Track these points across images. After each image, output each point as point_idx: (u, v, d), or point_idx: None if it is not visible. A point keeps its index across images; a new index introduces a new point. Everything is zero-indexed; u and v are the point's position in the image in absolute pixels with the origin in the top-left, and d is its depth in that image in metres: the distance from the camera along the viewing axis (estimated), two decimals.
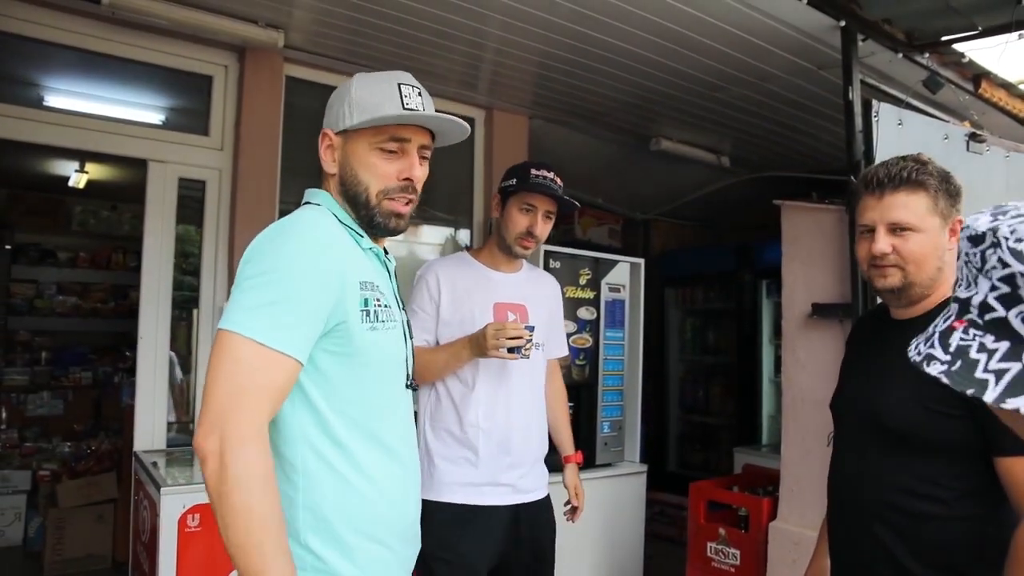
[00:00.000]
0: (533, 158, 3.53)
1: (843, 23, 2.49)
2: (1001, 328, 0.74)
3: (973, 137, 2.64)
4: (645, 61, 3.01)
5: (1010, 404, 0.71)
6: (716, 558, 2.96)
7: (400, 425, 1.36)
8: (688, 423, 5.66)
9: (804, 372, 2.79)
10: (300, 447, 1.22)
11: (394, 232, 1.37)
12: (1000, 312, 0.74)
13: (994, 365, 0.73)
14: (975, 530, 1.50)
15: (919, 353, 0.81)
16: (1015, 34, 2.53)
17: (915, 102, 2.75)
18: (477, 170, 3.93)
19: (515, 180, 2.29)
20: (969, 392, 0.73)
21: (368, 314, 1.26)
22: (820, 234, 2.74)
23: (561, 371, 2.64)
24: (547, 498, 2.36)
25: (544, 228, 2.30)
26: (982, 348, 0.74)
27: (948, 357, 0.76)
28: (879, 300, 2.44)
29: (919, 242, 1.58)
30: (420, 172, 1.36)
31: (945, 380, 0.75)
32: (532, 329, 2.13)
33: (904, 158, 1.66)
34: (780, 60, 2.95)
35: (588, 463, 3.34)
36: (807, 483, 2.71)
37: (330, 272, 1.21)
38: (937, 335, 0.80)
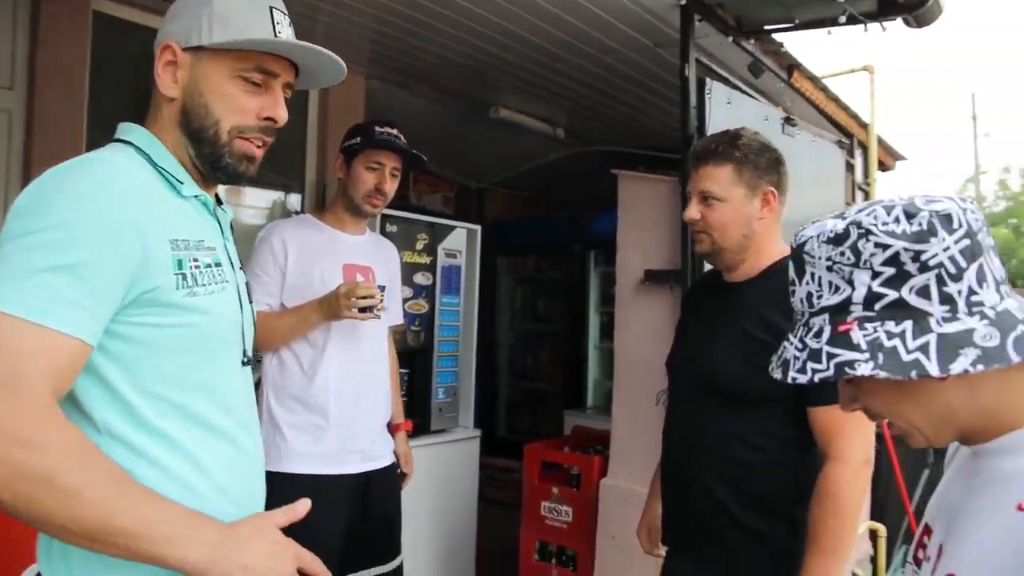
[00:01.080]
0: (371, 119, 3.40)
1: (683, 1, 2.60)
2: (898, 309, 0.78)
3: (788, 121, 2.89)
4: (482, 21, 2.96)
5: (955, 370, 0.74)
6: (550, 516, 3.06)
7: (235, 401, 1.15)
8: (517, 389, 5.80)
9: (635, 335, 2.92)
10: (100, 441, 0.98)
11: (241, 177, 1.17)
12: (892, 295, 0.78)
13: (913, 345, 0.76)
14: (791, 474, 1.64)
15: (800, 368, 0.83)
16: (826, 30, 2.76)
17: (741, 85, 2.94)
18: (311, 131, 3.71)
19: (360, 138, 2.22)
20: (913, 374, 0.75)
21: (185, 278, 1.04)
22: (655, 203, 2.87)
23: (395, 337, 2.62)
24: (394, 464, 2.34)
25: (392, 185, 2.26)
26: (890, 335, 0.77)
27: (867, 354, 0.77)
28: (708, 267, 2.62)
29: (722, 210, 1.70)
30: (284, 113, 1.16)
31: (883, 374, 0.76)
32: (383, 289, 2.08)
33: (719, 133, 1.79)
34: (620, 34, 3.03)
35: (423, 429, 3.31)
36: (636, 441, 2.85)
37: (127, 230, 0.97)
38: (824, 344, 0.81)
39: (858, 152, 3.98)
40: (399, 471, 2.46)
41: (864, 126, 4.05)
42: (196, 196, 1.14)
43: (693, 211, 1.75)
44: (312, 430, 2.11)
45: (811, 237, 0.84)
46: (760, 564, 1.67)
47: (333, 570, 2.12)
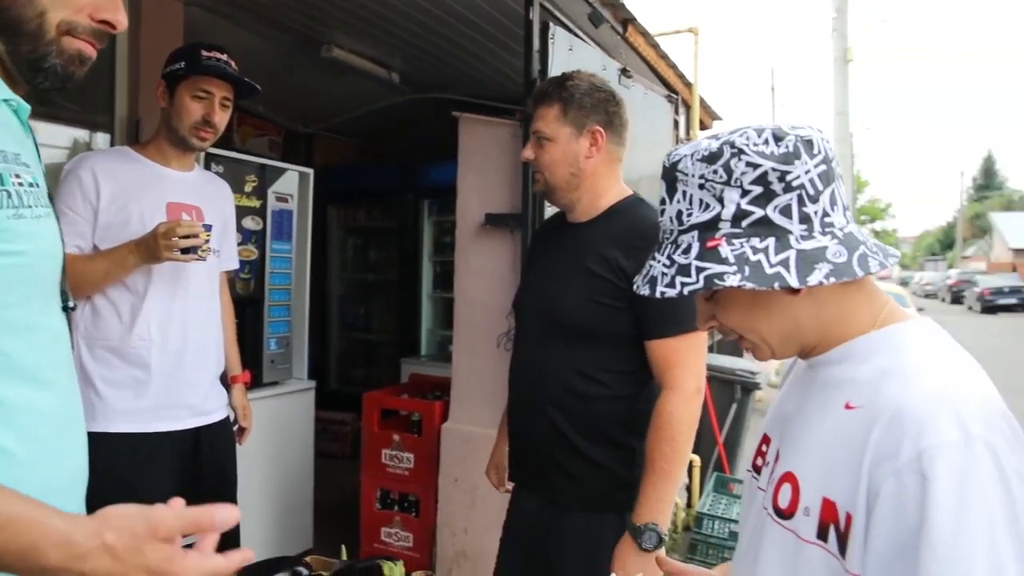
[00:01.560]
0: None
1: None
2: (762, 227, 0.82)
3: (623, 72, 2.98)
4: None
5: (811, 281, 0.80)
6: (391, 464, 3.04)
7: (61, 351, 1.00)
8: (349, 341, 5.68)
9: (476, 279, 2.93)
10: None
11: (69, 80, 0.97)
12: (758, 213, 0.82)
13: (775, 259, 0.81)
14: (629, 406, 1.73)
15: (668, 283, 0.86)
16: None
17: (581, 34, 2.99)
18: (120, 60, 3.31)
19: (183, 63, 2.00)
20: (776, 285, 0.80)
21: (10, 196, 0.88)
22: (495, 147, 2.87)
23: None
24: (227, 419, 2.20)
25: (223, 117, 2.06)
26: (755, 251, 0.82)
27: (735, 267, 0.82)
28: (548, 210, 2.67)
29: (550, 150, 1.76)
30: (123, 17, 0.98)
31: (750, 285, 0.80)
32: (210, 228, 1.90)
33: (554, 76, 1.85)
34: None
35: (255, 382, 3.15)
36: (476, 384, 2.89)
37: None
38: (694, 259, 0.84)
39: (682, 110, 4.22)
40: (235, 426, 2.32)
41: (688, 85, 4.29)
42: (7, 100, 0.94)
43: (528, 151, 1.81)
44: (132, 384, 1.92)
45: (685, 156, 0.87)
46: (600, 491, 1.76)
47: None
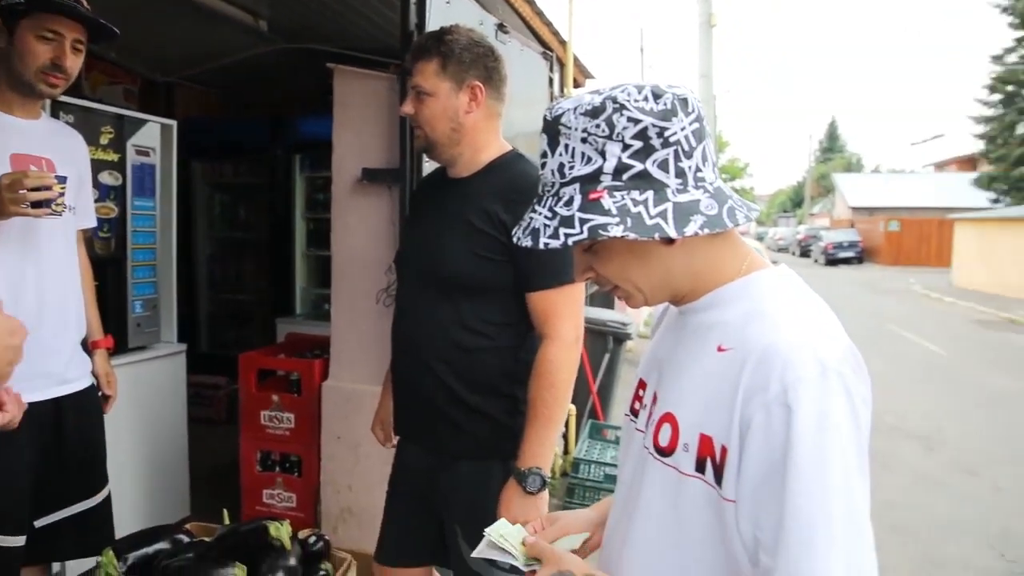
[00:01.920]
0: None
1: None
2: (642, 180, 0.87)
3: (500, 28, 2.99)
4: None
5: (688, 232, 0.86)
6: (271, 425, 2.98)
7: None
8: (219, 302, 5.46)
9: (354, 236, 2.90)
10: None
11: None
12: (638, 167, 0.86)
13: (654, 211, 0.86)
14: (512, 356, 1.80)
15: (552, 234, 0.88)
16: None
17: None
18: None
19: None
20: (657, 236, 0.85)
21: None
22: (371, 101, 2.82)
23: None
24: (92, 387, 2.09)
25: (75, 62, 1.90)
26: (635, 203, 0.86)
27: (617, 218, 0.85)
28: (427, 165, 2.66)
29: (430, 105, 1.77)
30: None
31: (632, 236, 0.85)
32: (64, 180, 1.77)
33: (432, 30, 1.84)
34: None
35: (120, 347, 2.98)
36: (356, 342, 2.88)
37: None
38: (576, 210, 0.87)
39: (556, 67, 4.28)
40: (100, 393, 2.21)
41: (563, 43, 4.35)
42: None
43: (407, 106, 1.80)
44: None
45: (568, 110, 0.89)
46: (486, 440, 1.82)
47: (24, 514, 1.87)
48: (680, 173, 0.87)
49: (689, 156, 0.87)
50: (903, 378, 8.80)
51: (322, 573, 2.18)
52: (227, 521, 2.31)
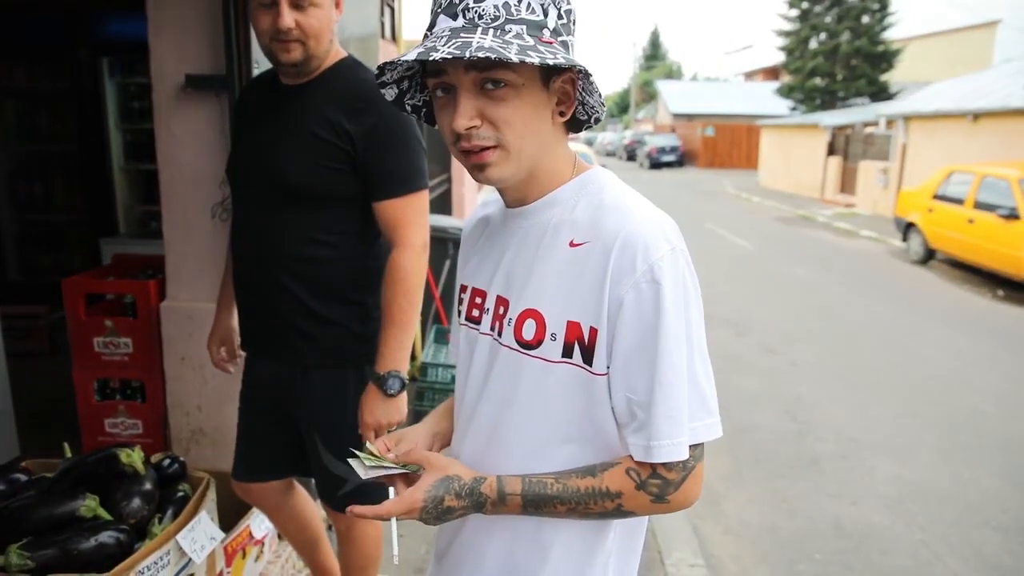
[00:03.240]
0: None
1: None
2: (564, 48, 0.94)
3: None
4: None
5: (595, 101, 1.00)
6: (106, 352, 2.81)
7: None
8: (26, 224, 4.92)
9: (182, 147, 2.71)
10: None
11: None
12: (564, 36, 0.96)
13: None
14: (360, 264, 1.83)
15: (518, 51, 0.85)
16: None
17: None
18: None
19: None
20: (592, 80, 0.96)
21: None
22: (191, 0, 2.60)
23: None
24: None
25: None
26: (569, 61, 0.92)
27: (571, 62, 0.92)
28: (256, 71, 2.54)
29: (318, 16, 1.68)
30: None
31: (591, 77, 0.95)
32: None
33: None
34: None
35: None
36: (193, 259, 2.75)
37: None
38: (536, 44, 0.89)
39: None
40: None
41: None
42: None
43: (288, 19, 1.64)
44: None
45: None
46: (339, 348, 1.85)
47: None
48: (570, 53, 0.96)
49: (572, 48, 0.97)
50: (719, 271, 9.69)
51: (180, 494, 2.17)
52: (68, 454, 2.21)
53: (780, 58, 29.93)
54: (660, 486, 0.95)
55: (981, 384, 5.56)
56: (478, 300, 1.11)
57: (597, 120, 1.03)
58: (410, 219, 1.75)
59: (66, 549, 1.74)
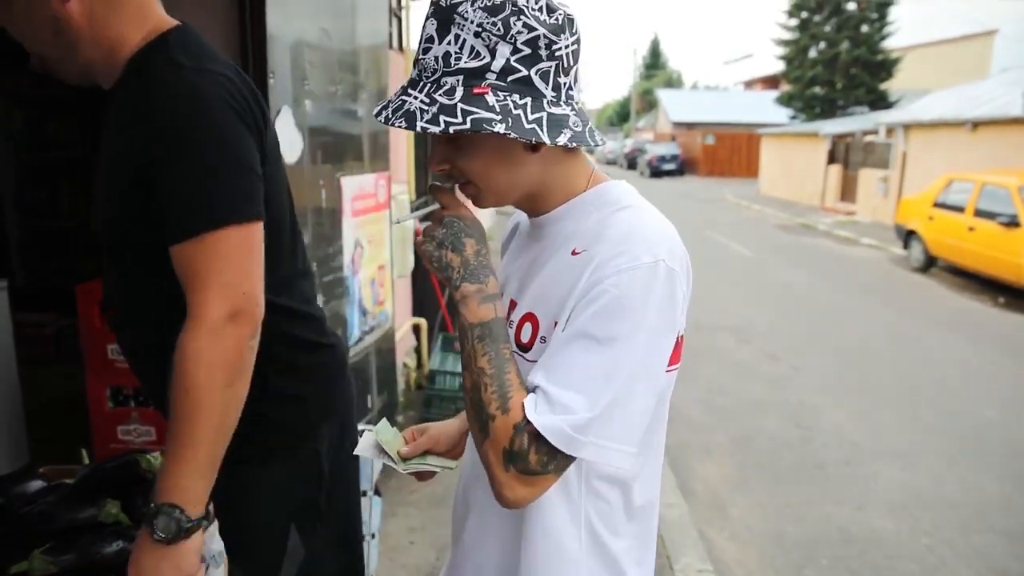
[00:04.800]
0: None
1: None
2: (524, 86, 0.91)
3: None
4: None
5: (560, 142, 0.92)
6: (119, 358, 2.82)
7: None
8: (32, 230, 4.94)
9: None
10: None
11: None
12: (523, 72, 0.90)
13: (531, 117, 0.90)
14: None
15: (430, 119, 0.88)
16: None
17: None
18: None
19: None
20: (533, 140, 0.90)
21: None
22: (203, 7, 2.64)
23: None
24: None
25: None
26: (516, 106, 0.90)
27: (500, 116, 0.88)
28: (272, 81, 2.56)
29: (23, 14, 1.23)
30: None
31: (513, 135, 0.88)
32: None
33: None
34: None
35: None
36: None
37: None
38: (459, 101, 0.88)
39: None
40: None
41: None
42: None
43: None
44: None
45: (466, 0, 0.89)
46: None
47: None
48: (556, 87, 0.93)
49: (567, 73, 0.93)
50: (720, 279, 9.72)
51: None
52: (86, 460, 2.23)
53: (780, 67, 30.05)
54: (518, 453, 0.89)
55: (984, 391, 5.59)
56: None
57: (586, 146, 0.98)
58: (205, 274, 1.12)
59: (88, 553, 1.75)
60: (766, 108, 32.97)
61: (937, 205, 10.35)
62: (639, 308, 0.89)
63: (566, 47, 0.92)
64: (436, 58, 0.90)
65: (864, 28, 26.38)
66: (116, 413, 2.88)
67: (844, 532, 3.51)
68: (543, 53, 0.90)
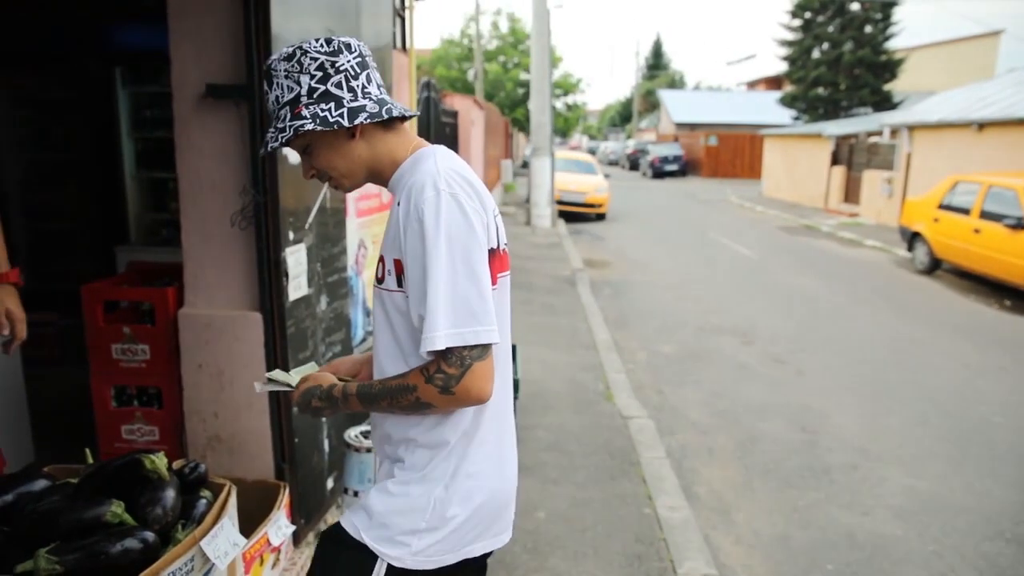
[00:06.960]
0: None
1: None
2: (326, 96, 1.31)
3: None
4: None
5: (357, 121, 1.30)
6: (124, 358, 2.82)
7: None
8: (37, 232, 4.94)
9: (202, 156, 2.74)
10: None
11: None
12: (322, 88, 1.31)
13: (335, 113, 1.29)
14: None
15: (273, 139, 1.32)
16: None
17: None
18: None
19: None
20: (336, 126, 1.30)
21: None
22: (211, 9, 2.63)
23: None
24: None
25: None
26: (324, 110, 1.30)
27: (311, 120, 1.29)
28: None
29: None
30: None
31: (320, 128, 1.29)
32: None
33: None
34: None
35: None
36: (212, 266, 2.77)
37: None
38: (288, 122, 1.30)
39: None
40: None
41: None
42: None
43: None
44: None
45: (274, 59, 1.32)
46: None
47: None
48: (351, 90, 1.32)
49: (355, 78, 1.33)
50: (723, 281, 9.69)
51: (203, 500, 2.17)
52: (90, 460, 2.22)
53: (783, 68, 29.98)
54: (444, 379, 1.24)
55: (990, 394, 5.56)
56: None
57: (380, 119, 1.34)
58: None
59: (93, 553, 1.74)
60: (769, 109, 32.90)
61: (942, 207, 10.31)
62: (439, 232, 1.23)
63: (347, 62, 1.32)
64: (272, 102, 1.34)
65: (868, 29, 26.30)
66: (120, 413, 2.87)
67: (851, 537, 3.48)
68: (331, 71, 1.31)
